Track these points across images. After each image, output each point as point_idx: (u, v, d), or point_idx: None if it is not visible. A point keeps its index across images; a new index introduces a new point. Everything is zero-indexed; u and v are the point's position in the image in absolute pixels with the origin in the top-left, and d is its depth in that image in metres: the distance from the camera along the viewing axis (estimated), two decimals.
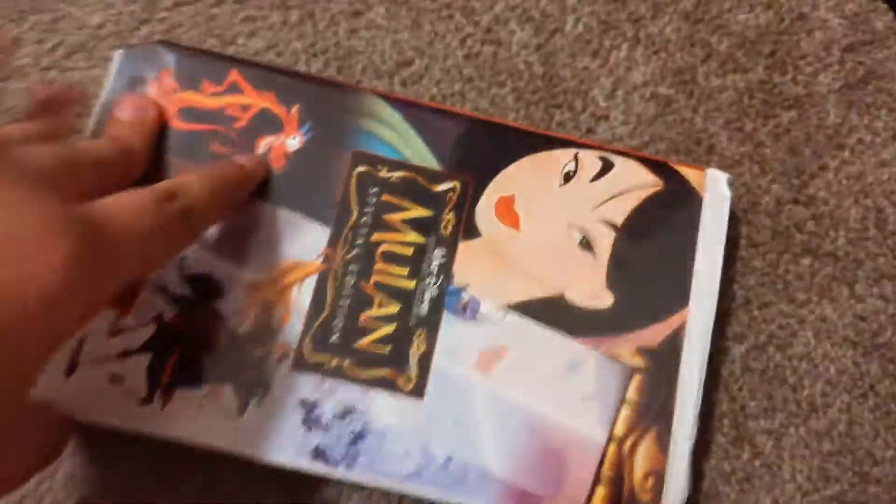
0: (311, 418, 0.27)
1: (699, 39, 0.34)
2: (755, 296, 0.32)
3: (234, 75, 0.29)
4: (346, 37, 0.33)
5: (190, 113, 0.29)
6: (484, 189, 0.29)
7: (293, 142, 0.29)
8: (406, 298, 0.28)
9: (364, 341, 0.28)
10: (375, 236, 0.28)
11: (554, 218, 0.29)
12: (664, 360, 0.28)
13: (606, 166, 0.30)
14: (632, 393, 0.28)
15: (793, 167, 0.33)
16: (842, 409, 0.31)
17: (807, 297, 0.32)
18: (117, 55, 0.30)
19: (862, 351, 0.32)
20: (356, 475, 0.26)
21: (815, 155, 0.34)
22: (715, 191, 0.30)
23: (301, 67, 0.32)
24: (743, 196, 0.33)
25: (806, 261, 0.32)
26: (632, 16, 0.34)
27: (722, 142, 0.33)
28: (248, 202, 0.28)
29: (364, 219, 0.29)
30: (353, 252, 0.28)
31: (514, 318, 0.28)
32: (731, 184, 0.30)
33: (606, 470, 0.27)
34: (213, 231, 0.28)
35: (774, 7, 0.35)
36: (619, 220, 0.29)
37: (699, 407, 0.28)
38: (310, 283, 0.28)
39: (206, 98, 0.29)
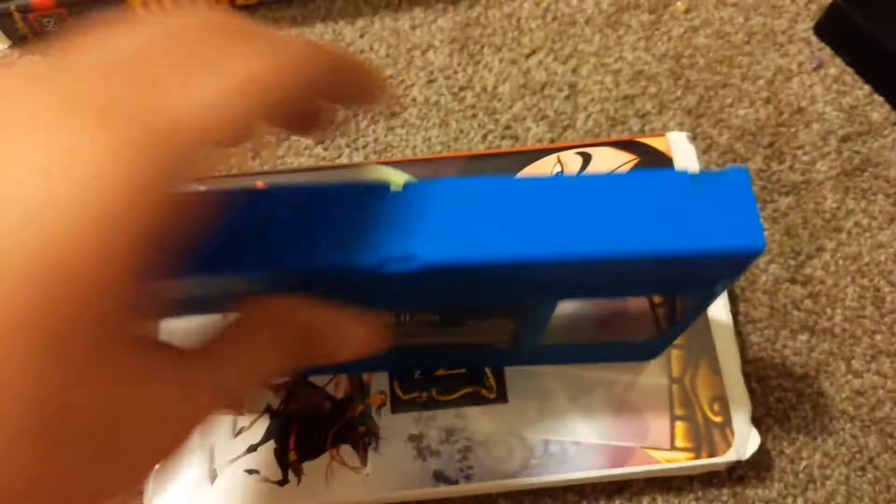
0: (421, 449, 0.30)
1: (701, 132, 0.38)
2: (753, 370, 0.34)
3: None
4: (384, 133, 0.39)
5: None
6: None
7: None
8: None
9: (441, 369, 0.31)
10: None
11: None
12: None
13: (586, 158, 0.34)
14: None
15: (790, 248, 0.36)
16: (840, 481, 0.32)
17: (804, 372, 0.34)
18: None
19: (860, 424, 0.33)
20: (475, 486, 0.29)
21: (812, 237, 0.36)
22: (679, 148, 0.34)
23: (344, 160, 0.38)
24: (742, 276, 0.36)
25: (803, 337, 0.34)
26: (638, 112, 0.38)
27: None
28: None
29: None
30: None
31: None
32: (690, 139, 0.35)
33: (677, 407, 0.31)
34: None
35: (773, 102, 0.39)
36: None
37: (734, 329, 0.32)
38: None
39: None
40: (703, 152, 0.38)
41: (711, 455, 0.30)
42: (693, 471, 0.31)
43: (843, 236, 0.36)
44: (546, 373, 0.31)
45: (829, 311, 0.35)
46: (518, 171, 0.34)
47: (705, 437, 0.30)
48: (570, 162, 0.34)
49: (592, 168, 0.34)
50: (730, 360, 0.31)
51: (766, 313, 0.35)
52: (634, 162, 0.34)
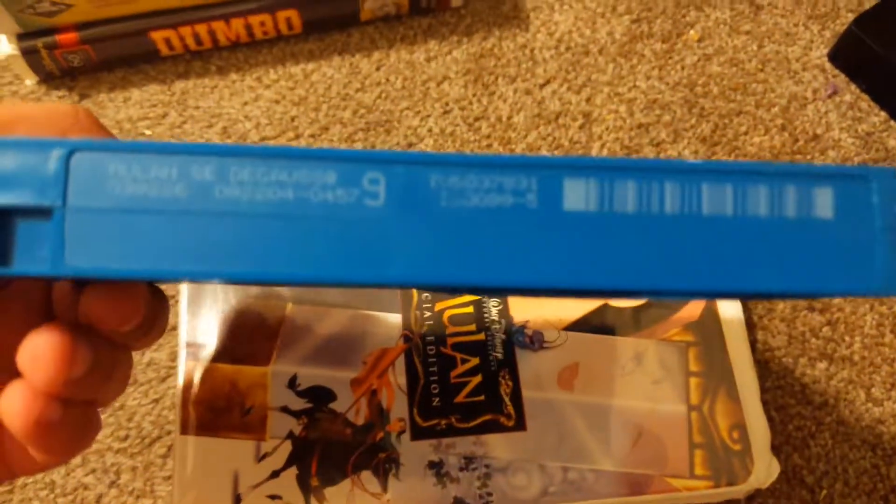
0: (441, 475, 0.30)
1: (716, 161, 0.39)
2: (772, 398, 0.34)
3: None
4: None
5: None
6: None
7: None
8: (481, 349, 0.32)
9: (460, 397, 0.31)
10: (438, 306, 0.33)
11: None
12: (708, 328, 0.32)
13: None
14: (692, 364, 0.32)
15: None
16: None
17: (823, 400, 0.34)
18: None
19: (881, 454, 0.33)
20: None
21: None
22: None
23: None
24: (759, 304, 0.36)
25: (822, 365, 0.34)
26: (653, 140, 0.39)
27: None
28: (327, 313, 0.33)
29: (424, 295, 0.33)
30: (426, 326, 0.32)
31: (574, 336, 0.32)
32: None
33: (696, 435, 0.31)
34: (309, 347, 0.32)
35: (789, 129, 0.39)
36: None
37: (751, 356, 0.32)
38: (400, 363, 0.32)
39: None
40: None
41: (731, 483, 0.30)
42: (712, 498, 0.31)
43: None
44: (564, 400, 0.31)
45: (847, 338, 0.35)
46: None
47: (724, 465, 0.30)
48: None
49: None
50: (748, 387, 0.32)
51: (785, 341, 0.35)
52: None
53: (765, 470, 0.30)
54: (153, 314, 0.20)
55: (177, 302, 0.36)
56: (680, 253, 0.16)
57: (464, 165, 0.16)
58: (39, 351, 0.17)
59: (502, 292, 0.29)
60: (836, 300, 0.35)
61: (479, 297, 0.33)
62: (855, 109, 0.39)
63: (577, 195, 0.16)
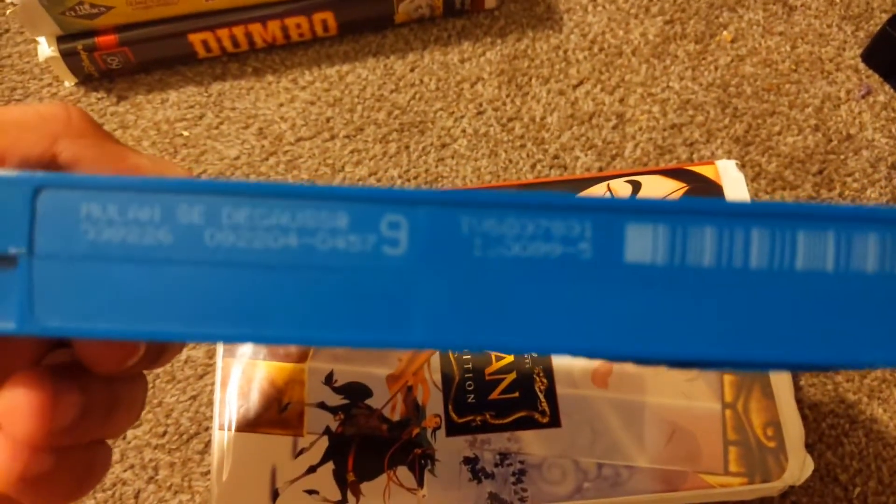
0: (476, 471, 0.30)
1: (749, 160, 0.39)
2: (805, 396, 0.34)
3: None
4: (435, 164, 0.40)
5: None
6: None
7: None
8: None
9: (495, 394, 0.32)
10: None
11: None
12: None
13: (636, 187, 0.35)
14: None
15: None
16: None
17: (857, 398, 0.34)
18: None
19: None
20: None
21: None
22: (728, 176, 0.35)
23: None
24: None
25: None
26: (686, 140, 0.40)
27: None
28: None
29: None
30: None
31: None
32: (739, 166, 0.35)
33: (730, 432, 0.31)
34: (346, 348, 0.34)
35: (822, 129, 0.40)
36: None
37: None
38: (435, 361, 0.32)
39: None
40: (751, 180, 0.38)
41: (765, 480, 0.31)
42: (746, 495, 0.31)
43: None
44: (598, 397, 0.32)
45: None
46: None
47: (759, 461, 0.31)
48: (620, 190, 0.36)
49: (642, 195, 0.35)
50: (783, 385, 0.32)
51: None
52: (684, 190, 0.36)
53: (799, 467, 0.31)
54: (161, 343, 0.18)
55: None
56: (768, 317, 0.13)
57: (502, 206, 0.14)
58: (15, 403, 0.15)
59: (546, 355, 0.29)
60: None
61: None
62: (889, 110, 0.40)
63: (643, 244, 0.14)
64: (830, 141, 0.39)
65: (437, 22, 0.42)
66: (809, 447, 0.33)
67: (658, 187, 0.36)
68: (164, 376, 0.35)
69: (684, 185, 0.36)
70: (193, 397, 0.35)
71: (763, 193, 0.38)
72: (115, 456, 0.34)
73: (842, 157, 0.39)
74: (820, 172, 0.38)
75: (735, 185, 0.36)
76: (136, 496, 0.33)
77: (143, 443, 0.34)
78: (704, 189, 0.35)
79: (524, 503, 0.30)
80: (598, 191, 0.36)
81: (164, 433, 0.34)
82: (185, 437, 0.34)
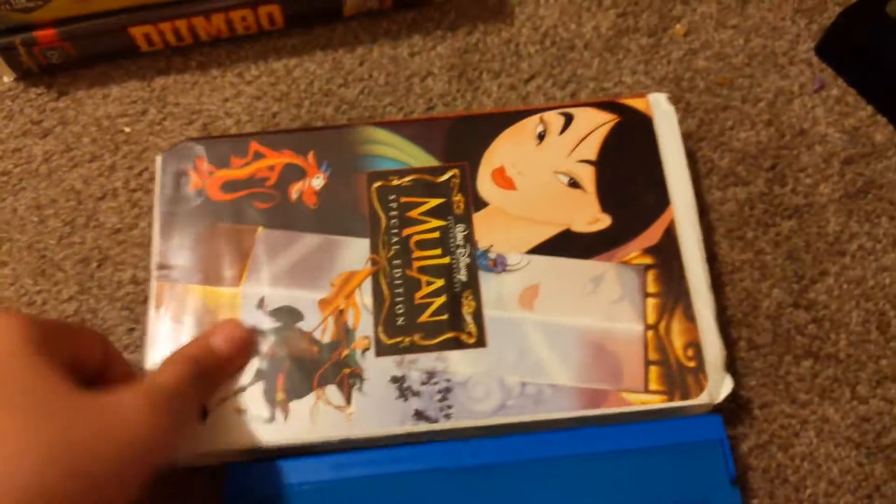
0: (403, 390, 0.32)
1: (702, 156, 0.39)
2: (756, 396, 0.33)
3: (254, 146, 0.36)
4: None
5: (229, 185, 0.35)
6: (478, 168, 0.36)
7: (317, 181, 0.36)
8: (446, 272, 0.34)
9: (424, 316, 0.33)
10: (406, 231, 0.34)
11: (541, 172, 0.36)
12: (667, 251, 0.34)
13: (568, 119, 0.36)
14: (650, 286, 0.33)
15: (793, 273, 0.36)
16: None
17: (808, 398, 0.33)
18: (159, 159, 0.35)
19: (866, 452, 0.32)
20: (454, 423, 0.31)
21: (815, 261, 0.36)
22: (660, 109, 0.36)
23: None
24: (743, 300, 0.35)
25: (807, 363, 0.34)
26: None
27: (723, 249, 0.36)
28: (297, 238, 0.34)
29: (392, 221, 0.35)
30: (393, 250, 0.34)
31: (537, 259, 0.34)
32: (670, 100, 0.36)
33: (652, 352, 0.32)
34: (279, 270, 0.34)
35: (775, 124, 0.39)
36: (593, 156, 0.36)
37: (708, 278, 0.33)
38: (367, 285, 0.34)
39: (238, 170, 0.36)
40: (703, 176, 0.38)
41: (685, 398, 0.31)
42: (666, 414, 0.32)
43: (847, 260, 0.36)
44: (524, 319, 0.33)
45: (833, 336, 0.35)
46: (503, 130, 0.36)
47: (679, 380, 0.32)
48: (554, 123, 0.36)
49: (573, 128, 0.36)
50: (704, 307, 0.33)
51: (770, 339, 0.35)
52: (613, 123, 0.36)
53: (718, 386, 0.32)
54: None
55: (149, 224, 0.37)
56: None
57: None
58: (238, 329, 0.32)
59: None
60: (822, 297, 0.36)
61: (445, 223, 0.35)
62: (842, 104, 0.40)
63: None
64: (783, 136, 0.39)
65: (387, 14, 0.42)
66: (759, 448, 0.33)
67: (589, 119, 0.36)
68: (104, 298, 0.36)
69: (616, 116, 0.36)
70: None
71: (715, 189, 0.38)
72: None
73: (795, 152, 0.39)
74: (772, 168, 0.38)
75: (665, 118, 0.36)
76: None
77: None
78: (631, 121, 0.36)
79: (449, 419, 0.31)
80: (531, 123, 0.36)
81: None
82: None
